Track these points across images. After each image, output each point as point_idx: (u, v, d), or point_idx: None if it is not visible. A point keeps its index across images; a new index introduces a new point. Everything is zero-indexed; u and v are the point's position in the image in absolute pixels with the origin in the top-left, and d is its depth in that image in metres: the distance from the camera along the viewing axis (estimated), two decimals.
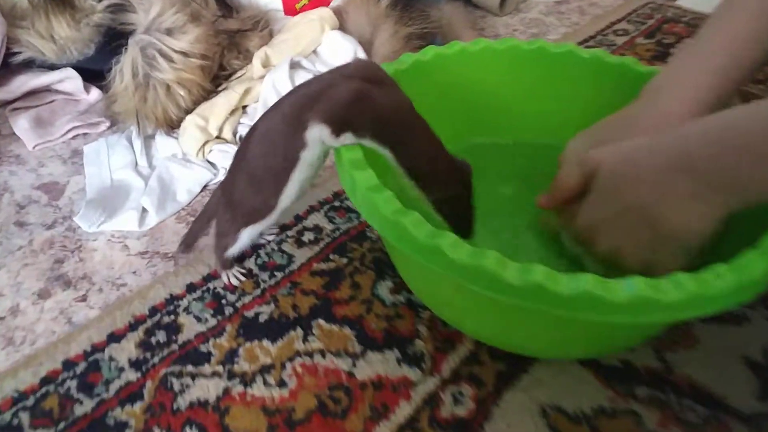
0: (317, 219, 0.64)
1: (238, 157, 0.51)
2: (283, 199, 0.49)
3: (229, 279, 0.56)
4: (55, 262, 0.60)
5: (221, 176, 0.70)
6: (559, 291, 0.37)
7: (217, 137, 0.72)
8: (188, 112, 0.73)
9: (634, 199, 0.43)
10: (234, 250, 0.54)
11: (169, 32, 0.71)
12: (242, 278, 0.57)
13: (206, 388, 0.48)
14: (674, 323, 0.49)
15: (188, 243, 0.57)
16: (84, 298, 0.57)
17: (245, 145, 0.50)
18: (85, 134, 0.78)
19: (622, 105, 0.54)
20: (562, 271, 0.37)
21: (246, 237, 0.53)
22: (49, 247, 0.62)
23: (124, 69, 0.70)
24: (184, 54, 0.71)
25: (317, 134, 0.45)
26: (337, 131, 0.44)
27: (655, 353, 0.51)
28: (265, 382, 0.48)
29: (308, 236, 0.62)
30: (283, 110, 0.47)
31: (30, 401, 0.47)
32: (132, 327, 0.53)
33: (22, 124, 0.76)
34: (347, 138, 0.45)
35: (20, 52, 0.79)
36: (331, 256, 0.60)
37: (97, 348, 0.51)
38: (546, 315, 0.39)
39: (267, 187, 0.49)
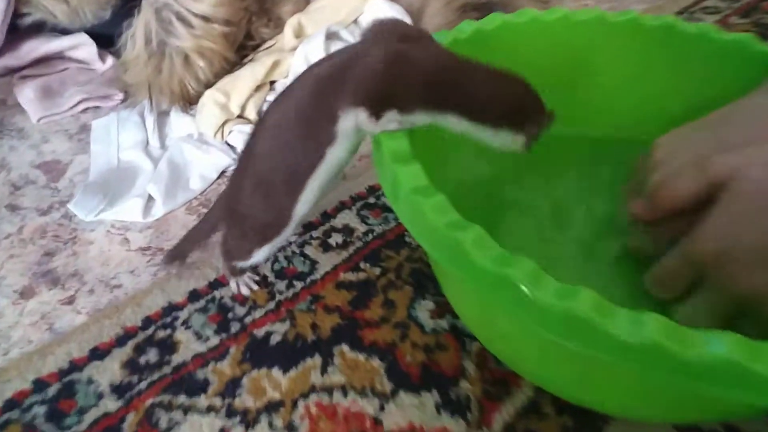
0: (348, 218, 0.54)
1: (244, 157, 0.41)
2: (299, 209, 0.39)
3: (238, 288, 0.47)
4: (44, 254, 0.52)
5: None
6: (686, 357, 0.25)
7: (239, 116, 0.63)
8: (208, 86, 0.64)
9: None
10: (246, 265, 0.45)
11: None
12: (254, 287, 0.48)
13: (199, 427, 0.39)
14: None
15: (175, 256, 0.48)
16: (71, 300, 0.48)
17: (252, 141, 0.40)
18: (96, 107, 0.70)
19: (739, 95, 0.42)
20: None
21: (260, 256, 0.44)
22: (40, 237, 0.54)
23: (136, 34, 0.62)
24: (205, 18, 0.62)
25: (351, 122, 0.34)
26: (378, 112, 0.34)
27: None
28: (271, 425, 0.39)
29: (336, 239, 0.52)
30: (298, 95, 0.37)
31: None
32: (120, 341, 0.44)
33: (27, 94, 0.68)
34: (392, 118, 0.34)
35: (29, 14, 0.71)
36: (362, 265, 0.50)
37: (76, 365, 0.42)
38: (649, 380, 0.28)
39: (280, 195, 0.39)
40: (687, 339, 0.25)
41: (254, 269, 0.49)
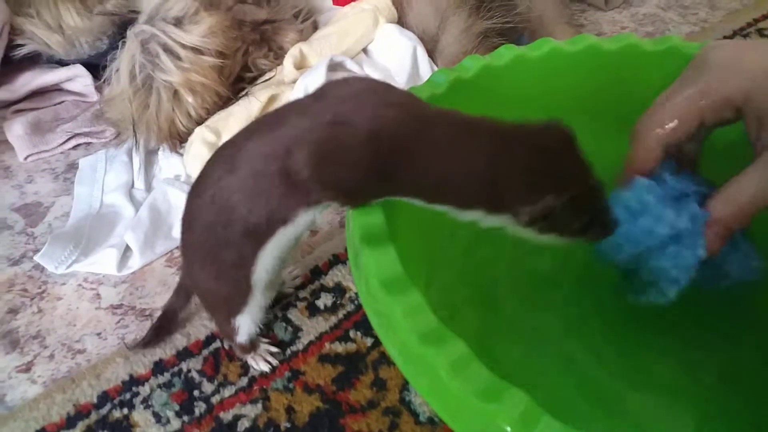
0: (340, 275, 0.48)
1: (184, 233, 0.36)
2: (256, 279, 0.34)
3: (258, 365, 0.41)
4: (8, 311, 0.48)
5: None
6: None
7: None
8: (200, 122, 0.59)
9: None
10: (244, 336, 0.39)
11: (177, 22, 0.57)
12: (274, 362, 0.42)
13: None
14: None
15: (148, 342, 0.43)
16: (28, 368, 0.44)
17: (189, 213, 0.35)
18: (88, 144, 0.66)
19: None
20: None
21: (245, 328, 0.38)
22: (7, 290, 0.50)
23: (121, 68, 0.57)
24: (195, 50, 0.57)
25: (313, 212, 0.29)
26: (355, 200, 0.29)
27: None
28: None
29: (325, 300, 0.46)
30: (241, 167, 0.31)
31: None
32: (70, 422, 0.39)
33: (16, 130, 0.65)
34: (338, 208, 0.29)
35: (23, 45, 0.68)
36: (352, 333, 0.43)
37: None
38: None
39: (229, 268, 0.33)
40: None
41: (268, 336, 0.43)
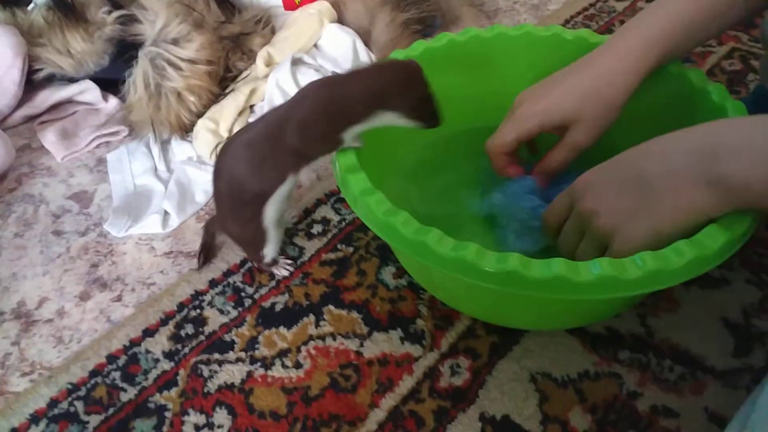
0: (324, 211, 0.69)
1: (216, 200, 0.59)
2: (267, 224, 0.55)
3: (280, 272, 0.62)
4: (91, 266, 0.67)
5: None
6: (533, 276, 0.41)
7: (228, 138, 0.77)
8: (199, 115, 0.78)
9: (642, 167, 0.45)
10: (269, 258, 0.60)
11: (175, 42, 0.76)
12: (291, 269, 0.62)
13: (232, 373, 0.54)
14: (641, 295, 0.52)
15: (201, 266, 0.64)
16: (119, 298, 0.63)
17: (215, 189, 0.57)
18: (107, 143, 0.84)
19: None
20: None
21: (269, 251, 0.59)
22: (84, 253, 0.69)
23: (136, 80, 0.76)
24: (191, 61, 0.76)
25: (297, 175, 0.52)
26: (326, 146, 0.52)
27: (638, 319, 0.56)
28: (283, 365, 0.54)
29: (317, 228, 0.67)
30: (247, 149, 0.53)
31: (82, 391, 0.54)
32: (163, 322, 0.59)
33: (49, 138, 0.82)
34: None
35: (41, 69, 0.84)
36: (339, 246, 0.65)
37: (135, 343, 0.57)
38: (528, 295, 0.44)
39: (248, 218, 0.55)
40: (533, 266, 0.41)
41: (284, 253, 0.64)
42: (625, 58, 0.53)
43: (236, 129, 0.77)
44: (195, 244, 0.68)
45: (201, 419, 0.51)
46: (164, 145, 0.80)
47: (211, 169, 0.74)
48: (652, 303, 0.57)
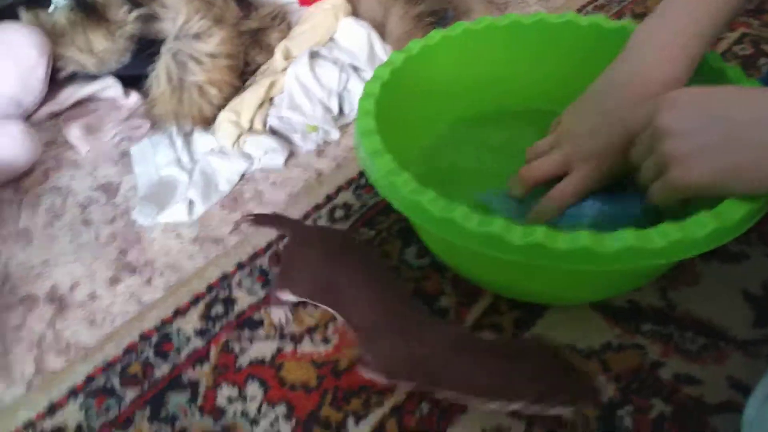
0: (346, 197, 0.71)
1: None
2: None
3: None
4: (120, 252, 0.69)
5: (256, 164, 0.77)
6: (558, 247, 0.42)
7: (250, 129, 0.79)
8: (221, 108, 0.80)
9: (731, 113, 0.43)
10: None
11: (196, 37, 0.78)
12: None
13: (262, 349, 0.56)
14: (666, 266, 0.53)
15: (263, 221, 0.64)
16: (149, 282, 0.65)
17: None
18: (129, 137, 0.86)
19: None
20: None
21: None
22: (113, 240, 0.70)
23: (159, 75, 0.78)
24: (212, 56, 0.78)
25: None
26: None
27: (659, 293, 0.57)
28: (312, 341, 0.56)
29: (339, 213, 0.69)
30: None
31: (117, 368, 0.55)
32: (193, 303, 0.61)
33: (74, 133, 0.84)
34: None
35: (64, 68, 0.87)
36: (361, 230, 0.66)
37: (166, 322, 0.59)
38: (553, 268, 0.45)
39: None
40: (559, 238, 0.42)
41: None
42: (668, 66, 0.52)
43: (257, 120, 0.79)
44: (221, 230, 0.70)
45: (234, 392, 0.52)
46: (186, 137, 0.82)
47: (234, 158, 0.76)
48: (672, 277, 0.58)
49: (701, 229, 0.42)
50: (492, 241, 0.44)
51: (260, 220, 0.64)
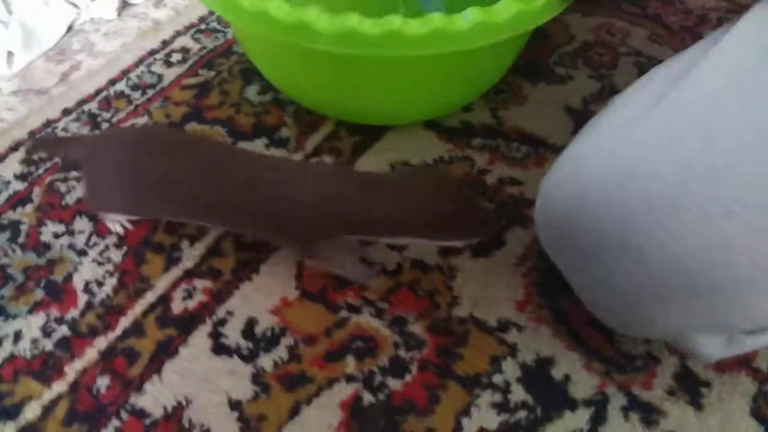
0: (184, 41, 0.67)
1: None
2: None
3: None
4: None
5: (85, 15, 0.70)
6: (367, 32, 0.42)
7: None
8: None
9: None
10: None
11: None
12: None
13: None
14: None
15: (40, 145, 0.56)
16: None
17: None
18: None
19: None
20: None
21: None
22: None
23: None
24: None
25: None
26: None
27: (490, 113, 0.59)
28: None
29: (176, 57, 0.65)
30: None
31: None
32: (13, 149, 0.56)
33: None
34: None
35: None
36: (200, 72, 0.63)
37: None
38: (387, 73, 0.45)
39: None
40: (367, 23, 0.42)
41: None
42: None
43: None
44: (46, 82, 0.64)
45: (60, 228, 0.50)
46: None
47: (57, 7, 0.69)
48: (502, 99, 0.60)
49: (505, 11, 0.43)
50: (303, 30, 0.43)
51: (43, 144, 0.56)
